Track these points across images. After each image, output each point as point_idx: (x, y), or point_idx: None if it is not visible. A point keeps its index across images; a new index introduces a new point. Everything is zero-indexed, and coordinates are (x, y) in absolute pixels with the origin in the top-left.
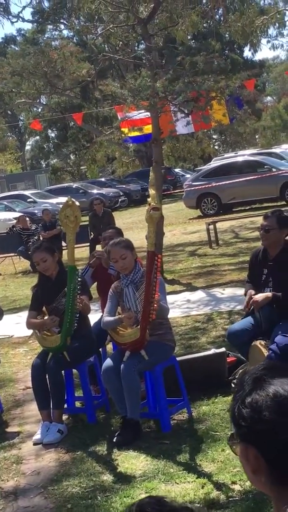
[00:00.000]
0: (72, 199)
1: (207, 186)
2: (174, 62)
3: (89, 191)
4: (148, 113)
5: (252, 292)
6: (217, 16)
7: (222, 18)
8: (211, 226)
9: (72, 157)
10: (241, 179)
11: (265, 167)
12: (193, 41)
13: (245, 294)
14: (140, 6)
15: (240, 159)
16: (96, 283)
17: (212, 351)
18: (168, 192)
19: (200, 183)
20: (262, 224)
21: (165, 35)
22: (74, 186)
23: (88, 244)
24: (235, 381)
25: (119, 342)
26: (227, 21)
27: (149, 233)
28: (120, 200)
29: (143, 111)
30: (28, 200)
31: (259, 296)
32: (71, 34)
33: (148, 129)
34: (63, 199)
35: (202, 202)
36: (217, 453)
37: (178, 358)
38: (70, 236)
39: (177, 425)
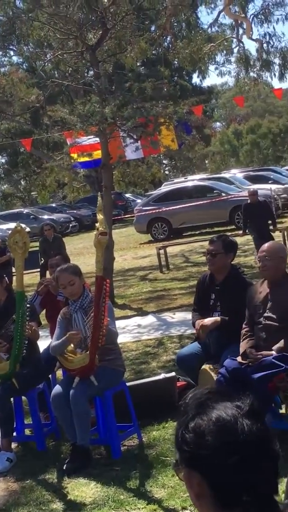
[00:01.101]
0: (22, 224)
1: (157, 211)
2: (123, 88)
3: (40, 216)
4: (97, 139)
5: (201, 321)
6: (166, 43)
7: (170, 45)
8: (162, 251)
9: (22, 182)
10: (191, 204)
11: (215, 191)
12: (143, 67)
13: (193, 324)
14: (89, 33)
15: (190, 184)
16: (44, 310)
17: (162, 376)
18: (119, 217)
19: (150, 207)
20: (208, 249)
21: (114, 61)
22: (24, 212)
23: (39, 269)
24: None
25: (68, 368)
26: (175, 48)
27: (97, 258)
28: (71, 225)
29: (93, 136)
30: None
31: (208, 321)
32: (21, 60)
33: (97, 154)
34: (13, 225)
35: (152, 227)
36: (167, 479)
37: (128, 384)
38: (19, 262)
39: (127, 451)
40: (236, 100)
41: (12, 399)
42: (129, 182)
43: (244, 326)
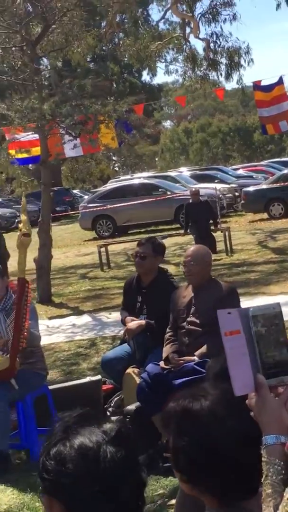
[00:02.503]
0: None
1: (102, 208)
2: (62, 85)
3: None
4: (36, 135)
5: (132, 318)
6: (116, 40)
7: (120, 42)
8: (103, 249)
9: None
10: (136, 202)
11: (160, 190)
12: (92, 63)
13: (122, 322)
14: (36, 27)
15: (136, 181)
16: None
17: (88, 378)
18: (65, 214)
19: (95, 204)
20: (137, 251)
21: (62, 56)
22: None
23: None
24: (111, 409)
25: None
26: (123, 45)
27: (20, 260)
28: (16, 220)
29: (31, 133)
30: None
31: (133, 324)
32: None
33: (36, 151)
34: None
35: (97, 224)
36: None
37: (52, 387)
38: None
39: None
40: (178, 99)
41: None
42: (77, 178)
43: (168, 330)
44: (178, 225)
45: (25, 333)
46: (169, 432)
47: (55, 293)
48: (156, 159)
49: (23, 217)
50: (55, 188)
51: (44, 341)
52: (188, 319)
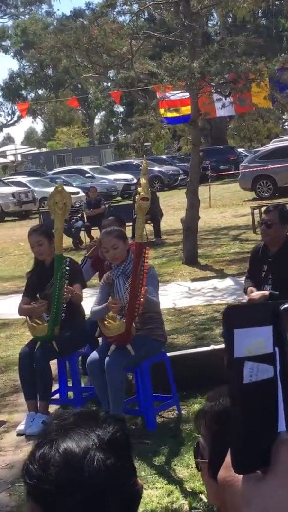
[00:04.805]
0: (63, 185)
1: (262, 168)
2: (213, 43)
3: (149, 168)
4: (186, 94)
5: (253, 289)
6: None
7: None
8: (256, 211)
9: (136, 133)
10: None
11: None
12: (264, 19)
13: (245, 291)
14: None
15: None
16: (98, 272)
17: (211, 347)
18: (229, 172)
19: (256, 164)
20: (264, 218)
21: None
22: (134, 163)
23: (131, 223)
24: None
25: (106, 335)
26: None
27: (138, 224)
28: (179, 178)
29: (181, 91)
30: (86, 175)
31: (256, 295)
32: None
33: (186, 110)
34: (121, 176)
35: (257, 184)
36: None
37: (171, 354)
38: (58, 223)
39: (163, 423)
40: None
41: (56, 361)
42: (244, 137)
43: None
44: None
45: (141, 299)
46: (207, 433)
47: (203, 254)
48: None
49: (143, 180)
50: (221, 147)
51: (183, 303)
52: None
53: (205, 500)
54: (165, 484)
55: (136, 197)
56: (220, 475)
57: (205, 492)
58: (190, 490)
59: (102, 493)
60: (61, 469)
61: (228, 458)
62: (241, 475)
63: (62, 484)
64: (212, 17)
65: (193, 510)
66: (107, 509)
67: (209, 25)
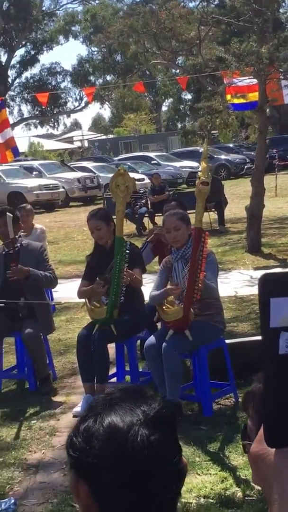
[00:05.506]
0: (125, 168)
1: None
2: (284, 29)
3: (216, 156)
4: (254, 80)
5: None
6: None
7: None
8: None
9: (202, 119)
10: None
11: None
12: None
13: None
14: None
15: None
16: (158, 257)
17: None
18: None
19: None
20: None
21: None
22: (200, 150)
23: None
24: None
25: (164, 320)
26: None
27: (197, 209)
28: (245, 167)
29: (249, 77)
30: (152, 162)
31: None
32: None
33: (253, 96)
34: (187, 163)
35: None
36: None
37: (230, 341)
38: (120, 206)
39: (220, 410)
40: None
41: (114, 345)
42: None
43: None
44: None
45: (200, 285)
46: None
47: (266, 243)
48: None
49: (203, 165)
50: None
51: (244, 292)
52: None
53: (259, 488)
54: (219, 471)
55: (196, 182)
56: (252, 448)
57: None
58: (244, 478)
59: (144, 470)
60: (104, 442)
61: (261, 431)
62: (274, 449)
63: (105, 457)
64: (284, 3)
65: (246, 498)
66: (151, 485)
67: (281, 11)
